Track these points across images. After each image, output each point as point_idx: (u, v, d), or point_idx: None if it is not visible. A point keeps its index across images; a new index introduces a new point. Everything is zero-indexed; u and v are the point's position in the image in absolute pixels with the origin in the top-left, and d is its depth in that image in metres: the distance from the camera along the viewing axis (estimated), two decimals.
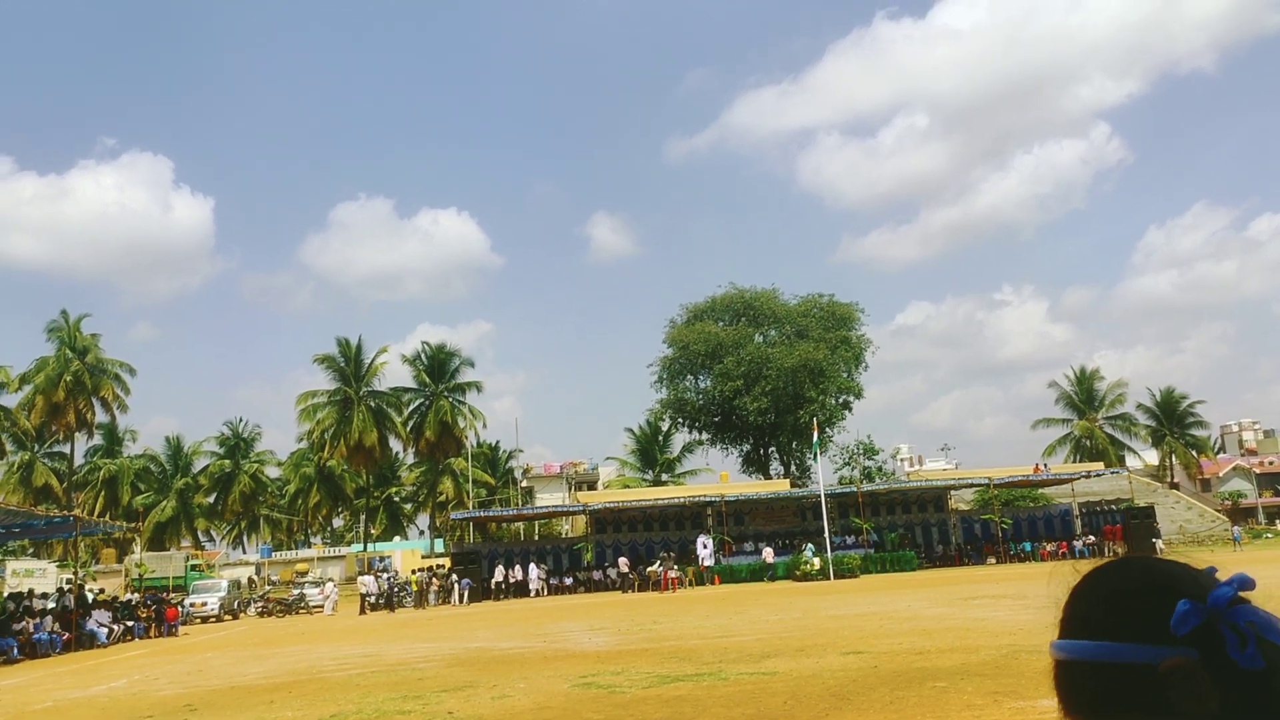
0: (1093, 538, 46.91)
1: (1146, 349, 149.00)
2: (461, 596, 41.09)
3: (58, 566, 55.05)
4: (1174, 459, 77.32)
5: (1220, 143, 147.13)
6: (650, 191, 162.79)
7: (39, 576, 49.64)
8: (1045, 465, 59.02)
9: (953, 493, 54.07)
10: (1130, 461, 71.83)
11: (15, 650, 24.40)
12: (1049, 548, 46.14)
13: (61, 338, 64.86)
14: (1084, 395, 74.99)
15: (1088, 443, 72.74)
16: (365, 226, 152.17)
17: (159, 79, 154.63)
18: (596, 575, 45.61)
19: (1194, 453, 76.90)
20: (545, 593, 43.91)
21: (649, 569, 41.42)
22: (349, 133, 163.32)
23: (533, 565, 45.08)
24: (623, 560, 43.63)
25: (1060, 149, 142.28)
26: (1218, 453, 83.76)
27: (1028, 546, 46.86)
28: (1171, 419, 76.38)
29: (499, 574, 43.99)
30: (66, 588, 35.35)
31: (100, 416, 67.61)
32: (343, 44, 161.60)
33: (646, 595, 37.13)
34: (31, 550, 63.86)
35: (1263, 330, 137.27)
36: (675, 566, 40.39)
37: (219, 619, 42.27)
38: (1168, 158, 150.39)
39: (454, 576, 42.49)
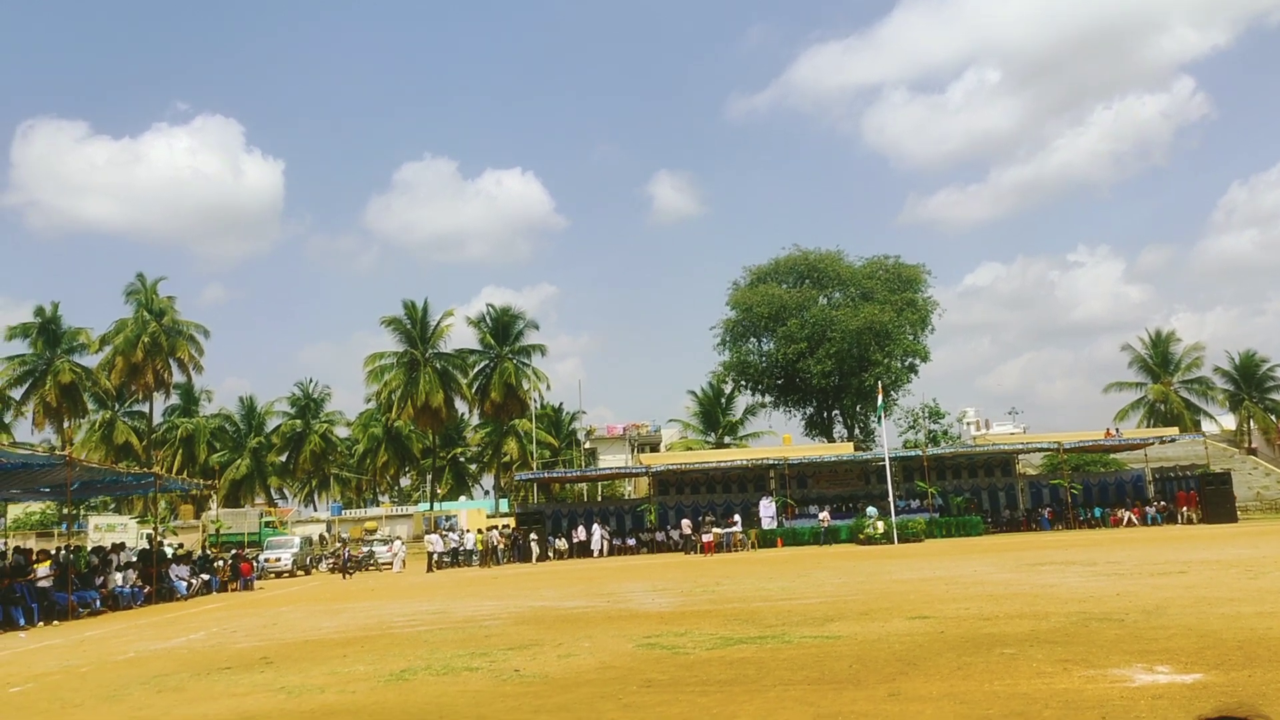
0: (1165, 504, 45.97)
1: (1226, 310, 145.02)
2: (558, 554, 42.50)
3: (138, 522, 56.86)
4: (1252, 424, 75.20)
5: None
6: (713, 150, 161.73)
7: (120, 531, 51.36)
8: (1117, 430, 57.80)
9: (1020, 457, 53.25)
10: (1206, 426, 70.02)
11: (98, 602, 25.28)
12: (1120, 514, 45.31)
13: (139, 300, 66.58)
14: (1159, 358, 73.12)
15: (1162, 407, 71.00)
16: (429, 187, 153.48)
17: (228, 41, 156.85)
18: (659, 536, 45.93)
19: (1273, 418, 74.69)
20: (607, 553, 44.36)
21: (695, 534, 41.37)
22: (415, 93, 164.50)
23: (596, 526, 45.52)
24: (685, 522, 43.80)
25: (1141, 104, 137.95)
26: None
27: (1098, 512, 46.05)
28: (1250, 383, 74.20)
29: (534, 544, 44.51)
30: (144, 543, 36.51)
31: (177, 377, 69.45)
32: (409, 4, 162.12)
33: (707, 558, 37.27)
34: (113, 506, 66.00)
35: None
36: (713, 531, 40.16)
37: (291, 574, 43.39)
38: (1254, 112, 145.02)
39: (529, 536, 43.28)
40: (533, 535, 43.09)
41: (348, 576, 37.92)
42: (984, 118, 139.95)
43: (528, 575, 31.84)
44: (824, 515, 43.44)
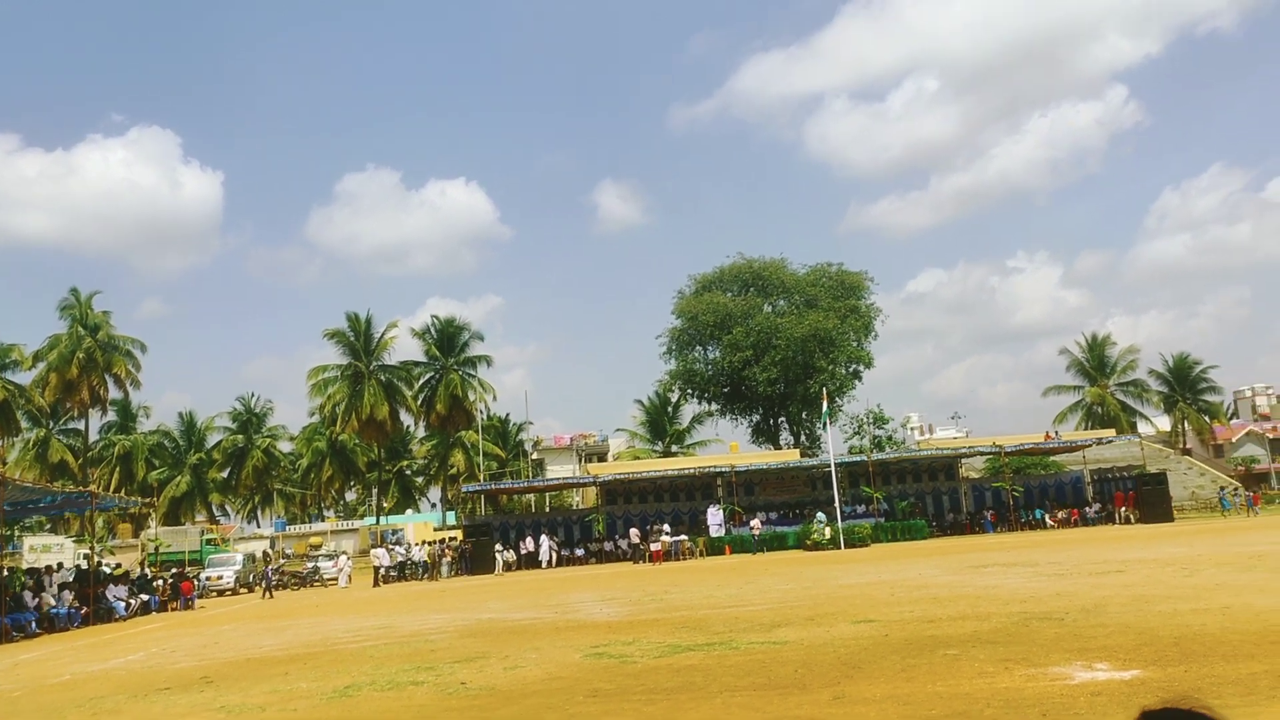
0: (1103, 504, 46.88)
1: (1160, 313, 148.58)
2: (506, 565, 41.68)
3: (74, 542, 55.50)
4: (1186, 425, 77.07)
5: (1238, 103, 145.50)
6: (657, 159, 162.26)
7: (56, 552, 50.07)
8: (1056, 432, 58.87)
9: (963, 461, 54.00)
10: (1142, 428, 71.60)
11: (34, 624, 24.62)
12: (1060, 515, 46.12)
13: (73, 315, 65.07)
14: (1095, 362, 74.68)
15: (1099, 409, 72.51)
16: (372, 198, 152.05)
17: (164, 52, 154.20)
18: (607, 546, 45.83)
19: (1207, 418, 76.63)
20: (556, 564, 44.18)
21: (643, 543, 41.27)
22: (356, 103, 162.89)
23: (544, 536, 45.32)
24: (633, 531, 43.76)
25: (1076, 112, 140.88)
26: (1231, 418, 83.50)
27: (1039, 514, 46.84)
28: (1184, 384, 76.08)
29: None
30: (81, 562, 35.63)
31: (113, 393, 67.93)
32: (348, 14, 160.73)
33: (656, 566, 37.26)
34: (49, 526, 64.32)
35: (1278, 293, 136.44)
36: (661, 539, 40.18)
37: (234, 592, 42.63)
38: (1184, 119, 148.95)
39: (494, 548, 42.88)
40: (497, 546, 42.84)
41: (270, 596, 37.08)
42: (923, 126, 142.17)
43: (476, 588, 31.60)
44: (755, 523, 43.46)
